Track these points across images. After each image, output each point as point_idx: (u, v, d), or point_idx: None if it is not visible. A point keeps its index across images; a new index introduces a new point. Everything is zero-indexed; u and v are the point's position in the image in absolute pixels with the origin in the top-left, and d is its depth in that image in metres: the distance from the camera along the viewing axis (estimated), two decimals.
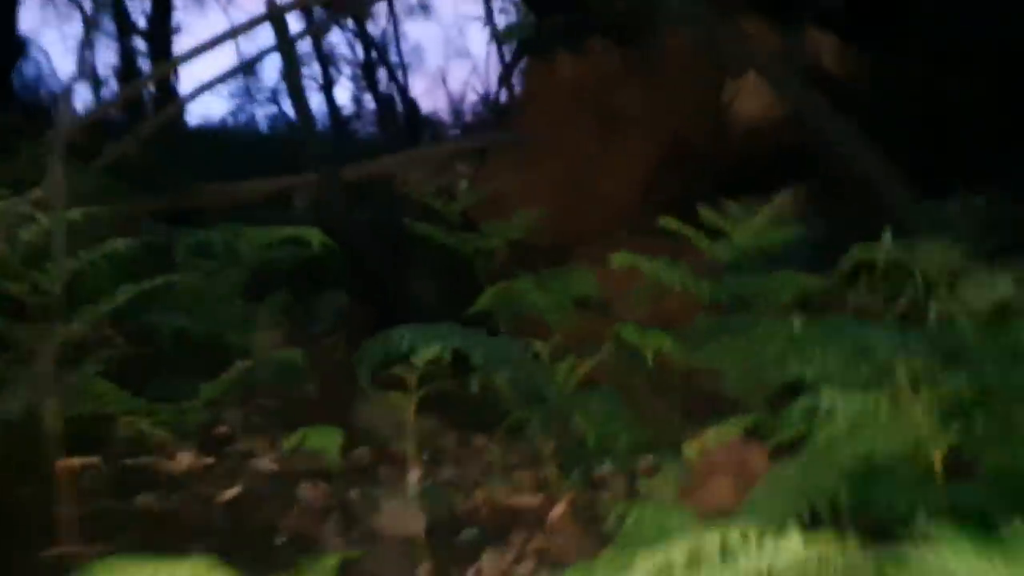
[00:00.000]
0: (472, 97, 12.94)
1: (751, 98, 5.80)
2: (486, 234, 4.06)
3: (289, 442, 3.12)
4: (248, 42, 13.53)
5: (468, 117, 12.78)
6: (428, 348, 2.68)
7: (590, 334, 4.09)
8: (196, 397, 3.33)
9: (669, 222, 3.45)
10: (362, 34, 13.44)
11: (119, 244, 2.96)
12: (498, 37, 10.63)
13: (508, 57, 9.16)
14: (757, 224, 3.38)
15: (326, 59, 13.41)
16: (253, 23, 4.80)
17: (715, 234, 3.50)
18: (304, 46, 12.86)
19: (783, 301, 3.31)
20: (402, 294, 4.51)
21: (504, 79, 8.35)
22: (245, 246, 3.46)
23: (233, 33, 4.95)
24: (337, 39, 13.78)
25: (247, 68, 9.02)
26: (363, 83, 14.10)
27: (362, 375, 2.76)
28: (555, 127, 5.69)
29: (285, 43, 4.26)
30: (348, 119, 13.97)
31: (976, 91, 5.42)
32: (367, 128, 14.34)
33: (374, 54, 13.54)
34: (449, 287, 4.36)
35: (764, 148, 5.90)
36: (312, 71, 13.26)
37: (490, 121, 10.36)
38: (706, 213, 3.47)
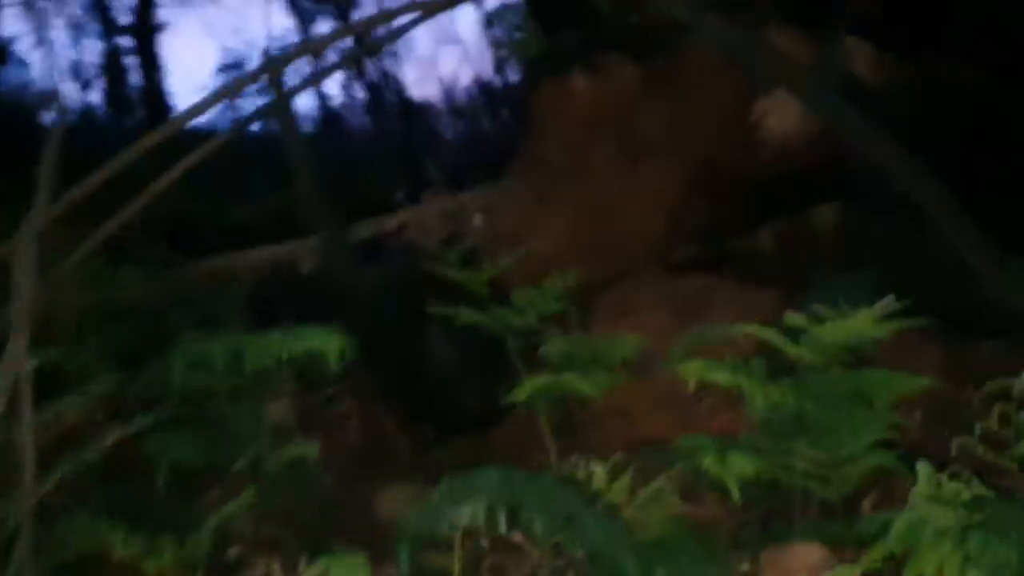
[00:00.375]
0: (464, 82, 12.48)
1: (781, 115, 5.37)
2: (517, 309, 3.64)
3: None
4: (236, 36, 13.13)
5: (461, 102, 12.33)
6: (472, 509, 2.31)
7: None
8: (200, 523, 2.98)
9: (749, 329, 3.04)
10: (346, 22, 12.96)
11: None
12: (490, 19, 10.08)
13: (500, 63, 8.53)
14: (850, 324, 2.94)
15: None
16: None
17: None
18: (291, 36, 12.52)
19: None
20: (422, 364, 4.15)
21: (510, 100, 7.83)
22: (252, 359, 3.07)
23: None
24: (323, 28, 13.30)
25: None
26: (352, 73, 13.63)
27: (401, 560, 2.39)
28: (572, 153, 5.28)
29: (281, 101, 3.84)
30: (338, 112, 13.49)
31: None
32: (359, 119, 13.91)
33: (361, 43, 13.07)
34: (473, 350, 3.98)
35: (796, 167, 5.50)
36: (299, 65, 12.84)
37: (483, 105, 9.81)
38: (792, 318, 3.04)
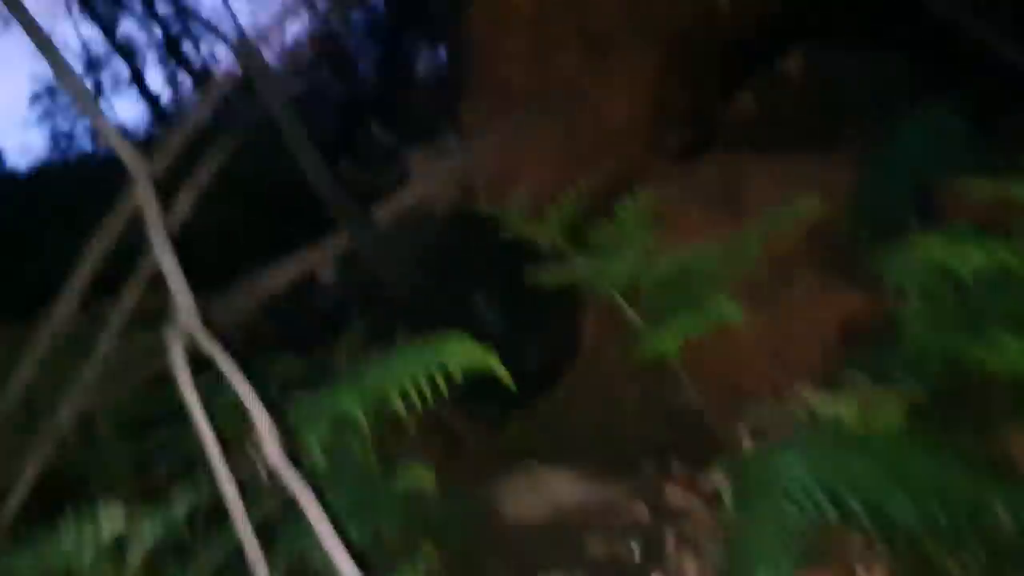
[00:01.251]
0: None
1: None
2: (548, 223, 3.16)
3: None
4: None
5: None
6: None
7: None
8: None
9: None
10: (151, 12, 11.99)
11: None
12: None
13: None
14: None
15: (125, 50, 12.03)
16: None
17: None
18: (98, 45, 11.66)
19: None
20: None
21: None
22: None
23: None
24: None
25: None
26: (172, 62, 12.66)
27: None
28: (530, 66, 4.77)
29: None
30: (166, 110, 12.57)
31: None
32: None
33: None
34: (526, 313, 3.52)
35: (754, 18, 5.11)
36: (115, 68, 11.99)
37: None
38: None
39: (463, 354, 2.27)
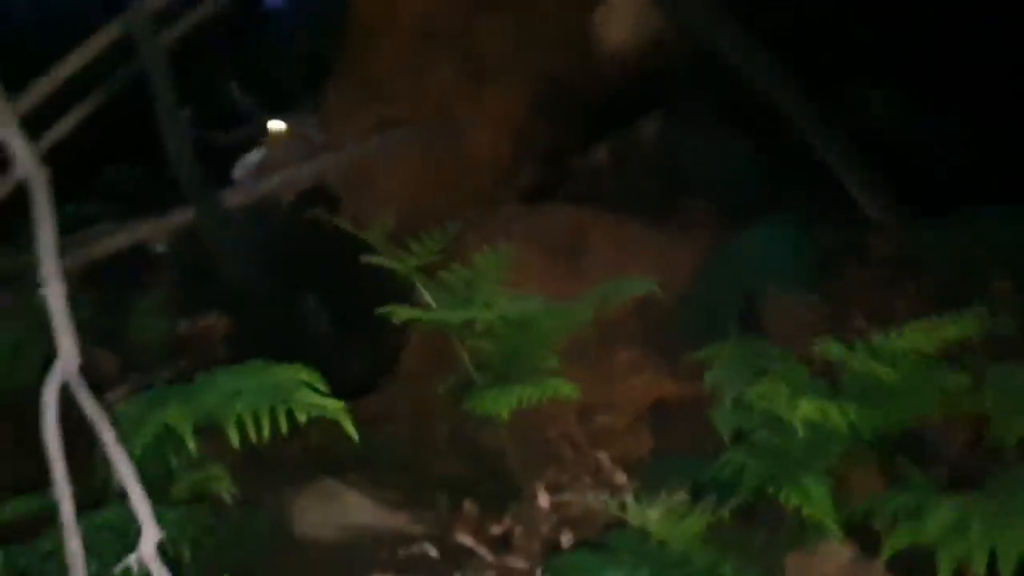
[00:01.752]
0: None
1: (618, 20, 5.10)
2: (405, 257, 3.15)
3: None
4: None
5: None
6: None
7: None
8: None
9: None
10: None
11: None
12: None
13: None
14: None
15: None
16: None
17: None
18: None
19: None
20: (296, 334, 3.60)
21: None
22: None
23: None
24: None
25: None
26: None
27: None
28: (407, 73, 4.75)
29: None
30: None
31: None
32: None
33: None
34: (351, 315, 3.49)
35: (633, 77, 5.28)
36: None
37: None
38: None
39: (306, 396, 2.22)
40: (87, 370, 4.25)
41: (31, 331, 3.78)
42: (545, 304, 3.41)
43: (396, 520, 3.20)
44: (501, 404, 2.65)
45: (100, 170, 4.94)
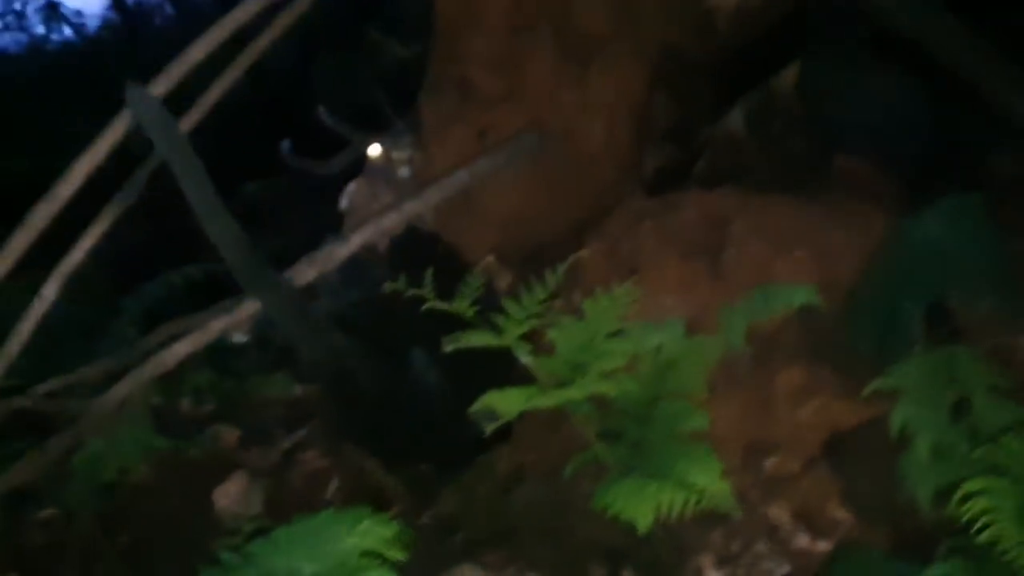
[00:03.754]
0: None
1: None
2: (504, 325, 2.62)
3: None
4: None
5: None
6: None
7: None
8: None
9: None
10: None
11: None
12: None
13: None
14: None
15: None
16: None
17: None
18: None
19: None
20: (404, 396, 3.21)
21: None
22: None
23: None
24: None
25: None
26: None
27: None
28: (502, 68, 4.25)
29: None
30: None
31: None
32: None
33: None
34: (465, 370, 3.03)
35: (755, 33, 4.62)
36: None
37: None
38: None
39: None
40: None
41: None
42: (681, 329, 2.91)
43: None
44: (638, 512, 2.15)
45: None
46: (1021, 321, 2.82)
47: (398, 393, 3.23)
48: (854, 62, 4.53)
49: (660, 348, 2.79)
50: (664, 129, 4.40)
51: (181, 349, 3.04)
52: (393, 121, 4.35)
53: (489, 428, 2.47)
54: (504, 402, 2.37)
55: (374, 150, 4.35)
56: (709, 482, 2.20)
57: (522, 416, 3.53)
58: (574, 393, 2.38)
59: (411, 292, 2.54)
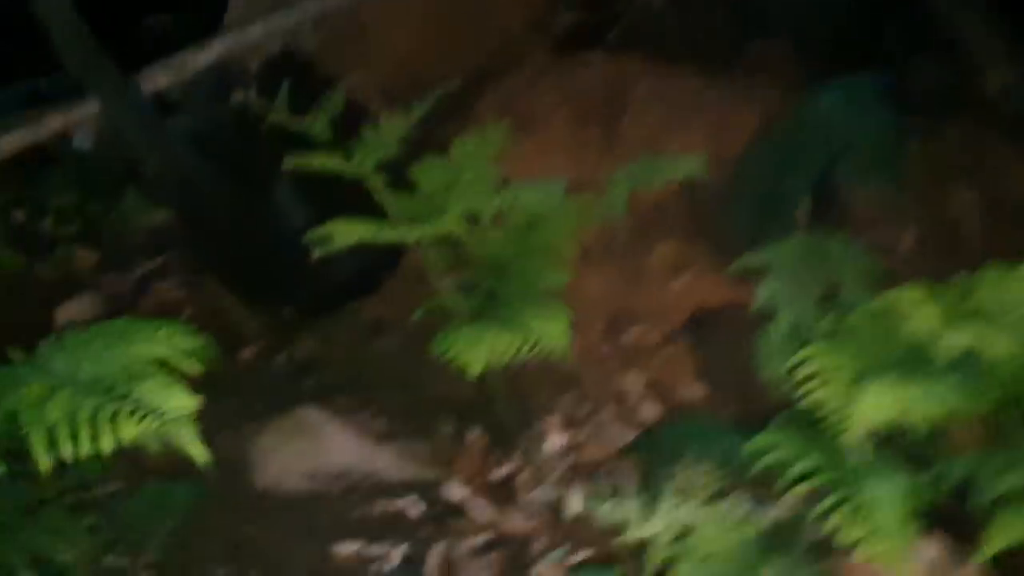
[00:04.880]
0: None
1: None
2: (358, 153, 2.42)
3: None
4: None
5: None
6: None
7: None
8: None
9: None
10: None
11: None
12: None
13: None
14: None
15: None
16: None
17: None
18: None
19: None
20: (266, 229, 3.02)
21: None
22: None
23: None
24: None
25: None
26: None
27: None
28: None
29: None
30: None
31: None
32: None
33: None
34: (332, 204, 2.85)
35: None
36: None
37: None
38: None
39: (150, 391, 1.61)
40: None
41: None
42: (560, 190, 2.77)
43: (382, 459, 2.68)
44: (471, 357, 2.04)
45: None
46: (907, 212, 2.76)
47: (257, 224, 3.04)
48: None
49: (532, 203, 2.65)
50: None
51: (9, 143, 2.77)
52: None
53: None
54: (345, 231, 2.21)
55: None
56: (551, 330, 2.10)
57: (394, 267, 3.46)
58: (425, 230, 2.24)
59: (267, 112, 2.33)
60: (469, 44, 3.91)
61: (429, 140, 2.98)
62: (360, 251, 2.75)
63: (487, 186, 2.44)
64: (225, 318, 3.33)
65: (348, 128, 2.62)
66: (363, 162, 2.33)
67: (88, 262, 3.69)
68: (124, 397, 1.54)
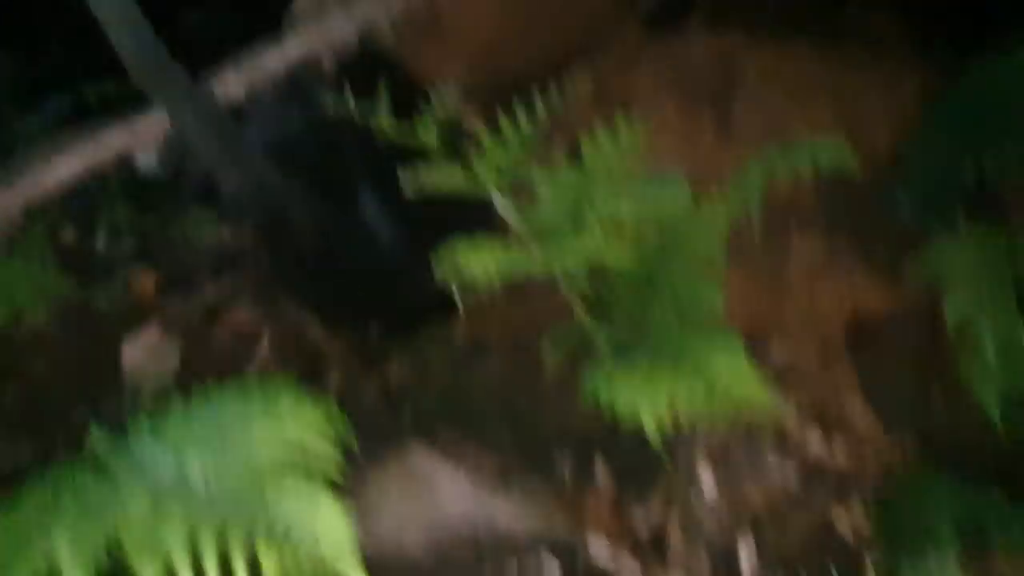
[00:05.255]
0: None
1: None
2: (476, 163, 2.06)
3: None
4: None
5: None
6: None
7: None
8: None
9: None
10: None
11: None
12: None
13: None
14: None
15: None
16: None
17: None
18: None
19: None
20: (350, 244, 2.68)
21: None
22: None
23: None
24: None
25: None
26: None
27: None
28: None
29: None
30: None
31: None
32: None
33: None
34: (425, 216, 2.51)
35: None
36: None
37: None
38: None
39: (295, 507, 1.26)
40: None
41: None
42: (684, 188, 2.40)
43: (503, 509, 2.35)
44: (644, 410, 1.68)
45: None
46: None
47: (343, 241, 2.71)
48: None
49: (663, 208, 2.29)
50: None
51: (64, 168, 2.43)
52: None
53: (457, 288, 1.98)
54: (476, 258, 1.86)
55: None
56: (735, 375, 1.74)
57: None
58: (569, 260, 1.89)
59: (360, 115, 1.99)
60: (551, 27, 3.53)
61: None
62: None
63: (623, 192, 2.08)
64: (306, 342, 3.02)
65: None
66: (484, 172, 1.98)
67: (148, 286, 3.37)
68: (256, 513, 1.20)
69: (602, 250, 1.91)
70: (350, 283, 2.83)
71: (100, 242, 3.66)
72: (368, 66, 2.80)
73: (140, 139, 2.51)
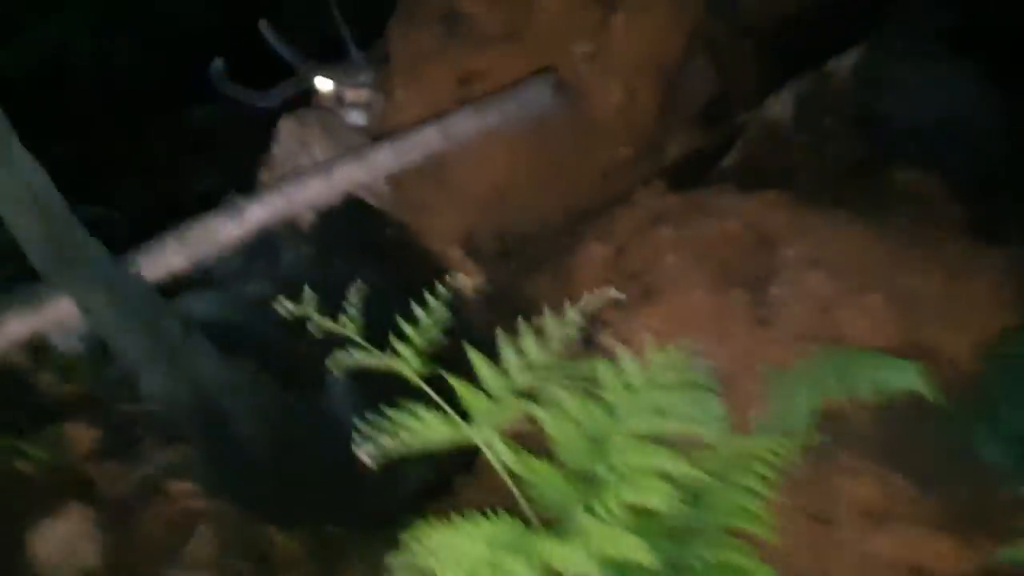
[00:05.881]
0: None
1: None
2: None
3: None
4: None
5: None
6: None
7: None
8: None
9: None
10: None
11: None
12: None
13: None
14: None
15: None
16: None
17: None
18: None
19: None
20: (310, 429, 2.24)
21: None
22: None
23: None
24: None
25: None
26: None
27: None
28: (499, 10, 3.24)
29: None
30: None
31: None
32: None
33: None
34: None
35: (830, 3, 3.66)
36: None
37: None
38: None
39: None
40: None
41: None
42: (719, 407, 1.96)
43: None
44: None
45: None
46: None
47: (303, 431, 2.27)
48: (926, 54, 3.65)
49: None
50: (699, 104, 3.44)
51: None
52: (351, 50, 3.33)
53: None
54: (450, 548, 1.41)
55: (324, 84, 3.34)
56: None
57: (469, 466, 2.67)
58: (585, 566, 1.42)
59: (321, 323, 1.57)
60: (565, 178, 3.17)
61: (518, 296, 2.23)
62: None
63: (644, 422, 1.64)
64: (255, 540, 2.55)
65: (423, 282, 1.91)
66: (484, 419, 1.54)
67: (83, 443, 2.91)
68: None
69: (619, 543, 1.46)
70: (307, 479, 2.37)
71: (47, 381, 3.22)
72: (354, 225, 2.41)
73: (49, 322, 2.09)
